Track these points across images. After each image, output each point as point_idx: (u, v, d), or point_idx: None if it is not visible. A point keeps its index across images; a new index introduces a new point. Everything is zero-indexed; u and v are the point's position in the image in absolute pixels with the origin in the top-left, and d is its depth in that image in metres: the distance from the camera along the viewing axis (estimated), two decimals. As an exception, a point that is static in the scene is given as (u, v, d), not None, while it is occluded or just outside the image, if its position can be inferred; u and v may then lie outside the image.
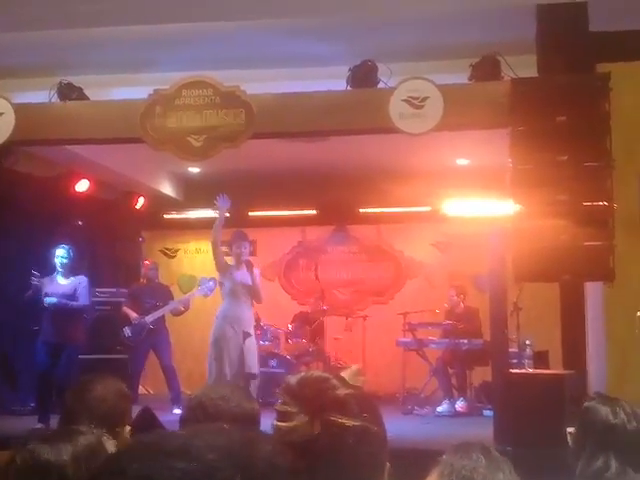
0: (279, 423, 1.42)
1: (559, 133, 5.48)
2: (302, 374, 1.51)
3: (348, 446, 1.40)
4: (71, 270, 7.69)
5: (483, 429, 6.58)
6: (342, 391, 1.43)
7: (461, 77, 5.96)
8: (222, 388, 2.28)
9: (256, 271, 7.69)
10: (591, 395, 2.67)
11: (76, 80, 6.41)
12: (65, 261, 7.59)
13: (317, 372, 1.53)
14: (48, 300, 7.42)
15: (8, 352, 8.52)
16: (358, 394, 1.46)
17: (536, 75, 5.76)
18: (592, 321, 6.24)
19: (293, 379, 1.49)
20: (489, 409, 7.70)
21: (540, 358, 7.30)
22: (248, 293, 7.57)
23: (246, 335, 7.47)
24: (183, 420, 2.21)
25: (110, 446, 1.92)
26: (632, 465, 2.31)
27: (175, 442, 0.93)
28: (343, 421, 1.39)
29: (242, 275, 7.59)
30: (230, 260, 7.78)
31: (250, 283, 7.53)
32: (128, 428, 2.58)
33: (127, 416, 2.60)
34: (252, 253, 11.22)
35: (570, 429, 2.60)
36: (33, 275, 7.48)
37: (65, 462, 1.79)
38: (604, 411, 2.48)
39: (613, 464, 2.29)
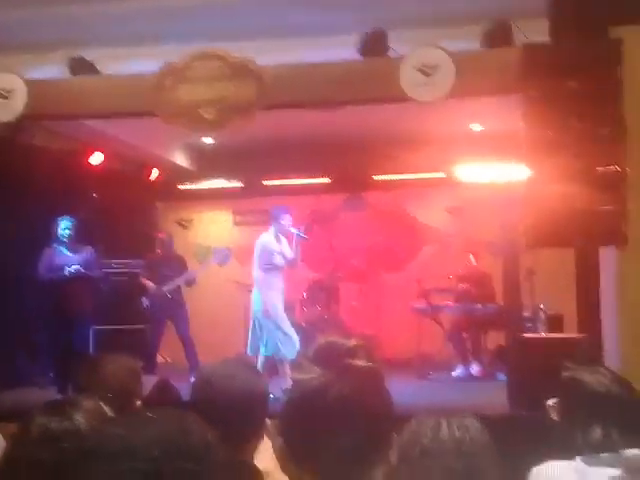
0: (296, 375, 1.49)
1: (572, 99, 5.45)
2: (314, 346, 1.57)
3: (363, 388, 1.44)
4: (76, 241, 7.75)
5: (498, 393, 6.66)
6: (351, 343, 1.50)
7: (473, 44, 5.91)
8: (228, 366, 2.29)
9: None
10: (567, 364, 2.57)
11: (87, 54, 6.41)
12: (69, 233, 7.65)
13: (325, 338, 1.59)
14: (73, 268, 7.49)
15: (27, 325, 8.64)
16: (365, 345, 1.53)
17: (548, 39, 5.71)
18: (606, 285, 6.26)
19: (309, 350, 1.55)
20: (504, 373, 7.77)
21: (554, 322, 7.32)
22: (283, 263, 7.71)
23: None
24: (192, 399, 2.25)
25: (109, 411, 1.97)
26: (627, 433, 2.26)
27: (117, 443, 1.02)
28: (356, 362, 1.45)
29: (283, 247, 7.71)
30: (271, 233, 7.78)
31: (289, 254, 7.69)
32: (138, 403, 2.63)
33: (137, 392, 2.64)
34: (267, 222, 11.30)
35: (550, 401, 2.53)
36: None
37: (76, 430, 1.81)
38: (590, 380, 2.39)
39: (613, 433, 2.25)
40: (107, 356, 2.69)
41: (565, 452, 2.19)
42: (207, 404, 2.13)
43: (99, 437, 1.05)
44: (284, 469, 1.48)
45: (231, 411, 2.11)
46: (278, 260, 7.60)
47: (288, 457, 1.47)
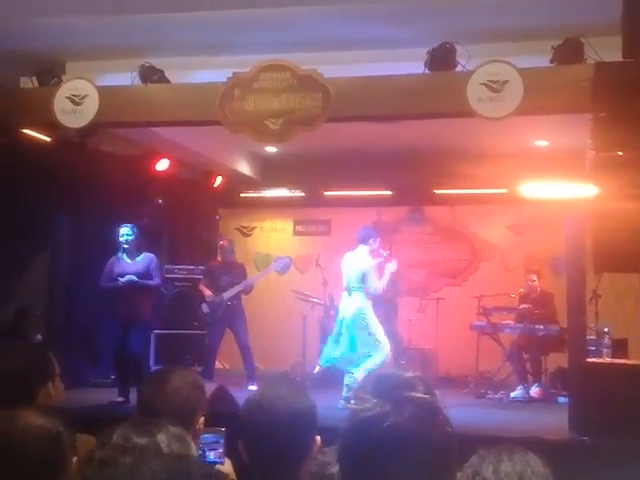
0: (352, 405, 1.48)
1: (643, 118, 5.32)
2: (371, 377, 1.56)
3: (420, 421, 1.42)
4: (136, 248, 7.71)
5: (557, 416, 6.52)
6: (409, 374, 1.49)
7: (542, 60, 5.83)
8: (278, 387, 2.31)
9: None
10: None
11: (157, 63, 6.53)
12: (130, 239, 7.65)
13: (382, 370, 1.58)
14: (125, 279, 7.51)
15: (90, 327, 8.80)
16: (424, 377, 1.51)
17: (620, 58, 5.58)
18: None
19: (369, 383, 1.53)
20: (564, 396, 7.61)
21: (619, 346, 7.15)
22: None
23: None
24: (244, 422, 2.27)
25: (191, 441, 1.95)
26: None
27: None
28: (413, 394, 1.43)
29: None
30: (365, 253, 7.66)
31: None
32: (202, 418, 2.64)
33: (201, 407, 2.65)
34: (327, 233, 11.33)
35: None
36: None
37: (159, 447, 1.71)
38: None
39: None
40: (172, 369, 2.70)
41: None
42: (260, 428, 2.17)
43: None
44: None
45: (283, 431, 2.15)
46: None
47: None
